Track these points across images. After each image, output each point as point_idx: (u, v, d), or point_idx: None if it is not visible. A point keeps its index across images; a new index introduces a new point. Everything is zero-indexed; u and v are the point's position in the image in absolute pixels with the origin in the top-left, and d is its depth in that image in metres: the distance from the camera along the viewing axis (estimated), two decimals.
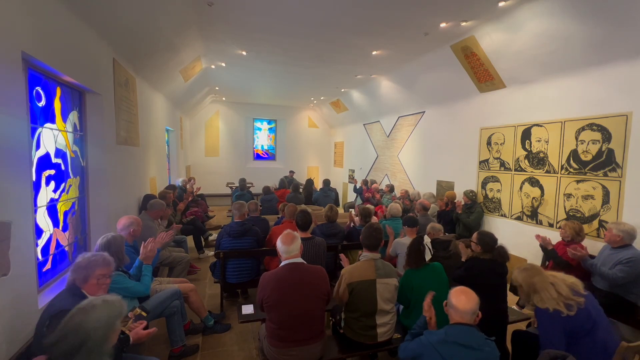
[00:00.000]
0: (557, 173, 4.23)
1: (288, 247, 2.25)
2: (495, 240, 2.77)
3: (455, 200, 5.65)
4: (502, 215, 5.10)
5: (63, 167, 2.81)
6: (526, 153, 4.68)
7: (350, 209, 7.62)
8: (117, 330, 1.46)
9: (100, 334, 1.35)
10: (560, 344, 1.96)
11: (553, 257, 3.51)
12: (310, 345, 2.20)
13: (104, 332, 1.37)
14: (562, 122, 4.16)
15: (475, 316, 1.74)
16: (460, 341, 1.65)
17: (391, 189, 7.50)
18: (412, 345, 1.81)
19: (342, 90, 9.00)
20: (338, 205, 7.82)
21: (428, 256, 2.66)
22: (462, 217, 5.21)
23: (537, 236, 3.68)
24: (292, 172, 10.92)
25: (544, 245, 3.60)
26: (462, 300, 1.74)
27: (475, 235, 2.83)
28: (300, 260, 2.26)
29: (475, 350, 1.65)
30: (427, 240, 2.74)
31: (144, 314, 2.01)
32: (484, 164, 5.45)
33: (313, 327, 2.21)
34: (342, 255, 2.97)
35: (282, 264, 2.25)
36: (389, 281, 2.42)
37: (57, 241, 2.71)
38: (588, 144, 3.86)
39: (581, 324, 1.97)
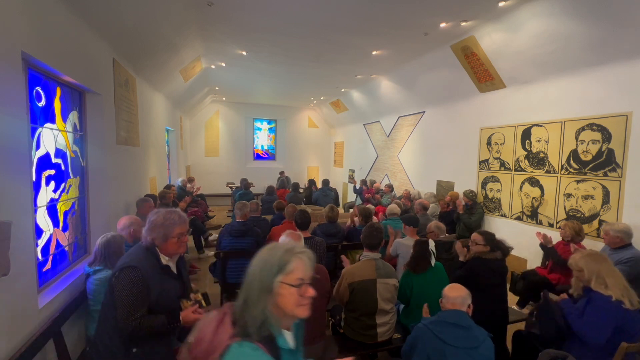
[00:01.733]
0: (557, 173, 4.23)
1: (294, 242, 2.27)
2: (494, 235, 2.80)
3: (457, 201, 5.67)
4: (502, 215, 5.10)
5: (63, 167, 2.81)
6: (526, 153, 4.68)
7: (350, 209, 7.63)
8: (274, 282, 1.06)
9: (258, 276, 1.08)
10: (606, 334, 1.94)
11: (552, 255, 3.52)
12: (311, 346, 2.20)
13: (261, 272, 1.08)
14: (562, 122, 4.16)
15: (466, 306, 1.88)
16: (449, 320, 1.81)
17: (390, 188, 7.50)
18: (412, 333, 1.95)
19: (342, 90, 9.00)
20: (338, 205, 7.83)
21: (432, 261, 2.68)
22: (463, 217, 5.22)
23: (538, 233, 3.70)
24: (282, 172, 10.90)
25: (544, 244, 3.61)
26: (452, 290, 1.93)
27: (479, 237, 2.79)
28: None
29: (465, 329, 1.80)
30: (432, 245, 2.74)
31: (204, 303, 1.92)
32: (484, 164, 5.45)
33: (314, 327, 2.21)
34: (343, 257, 2.97)
35: None
36: (389, 281, 2.42)
37: (57, 241, 2.71)
38: (588, 144, 3.86)
39: (634, 323, 1.96)
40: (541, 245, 3.69)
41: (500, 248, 2.72)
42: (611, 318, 1.96)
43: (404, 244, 3.40)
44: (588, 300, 2.06)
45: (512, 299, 3.84)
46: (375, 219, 4.33)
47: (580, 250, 2.39)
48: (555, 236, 3.91)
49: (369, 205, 4.35)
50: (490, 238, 2.75)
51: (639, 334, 1.96)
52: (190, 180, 8.48)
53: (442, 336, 1.77)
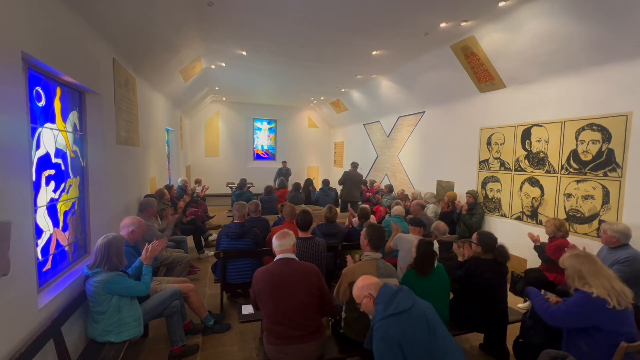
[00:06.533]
0: (557, 173, 4.23)
1: (280, 240, 2.34)
2: (495, 240, 2.77)
3: (456, 201, 5.66)
4: (502, 215, 5.10)
5: (63, 167, 2.81)
6: (526, 153, 4.68)
7: (350, 209, 7.61)
8: None
9: None
10: (572, 323, 1.98)
11: (539, 252, 3.58)
12: (307, 343, 2.20)
13: None
14: (562, 122, 4.16)
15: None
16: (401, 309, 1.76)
17: (390, 189, 7.50)
18: (377, 335, 1.77)
19: (342, 90, 9.01)
20: (338, 205, 7.82)
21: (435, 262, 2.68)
22: (464, 218, 5.22)
23: (530, 234, 3.77)
24: (284, 162, 11.00)
25: (533, 241, 3.68)
26: (359, 280, 1.98)
27: (475, 235, 2.84)
28: (292, 255, 2.32)
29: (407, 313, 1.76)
30: (435, 245, 2.74)
31: None
32: (484, 164, 5.45)
33: (307, 324, 2.21)
34: (349, 257, 2.94)
35: (274, 259, 2.30)
36: (389, 281, 2.42)
37: (57, 241, 2.71)
38: (588, 144, 3.87)
39: (619, 321, 1.95)
40: (535, 246, 3.75)
41: (492, 251, 2.72)
42: (584, 312, 1.96)
43: (405, 238, 3.38)
44: (575, 296, 2.08)
45: (512, 299, 3.84)
46: (373, 218, 4.33)
47: (572, 250, 2.43)
48: None
49: (365, 205, 4.34)
50: (485, 240, 2.75)
51: (624, 333, 1.95)
52: (197, 181, 8.50)
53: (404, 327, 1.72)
